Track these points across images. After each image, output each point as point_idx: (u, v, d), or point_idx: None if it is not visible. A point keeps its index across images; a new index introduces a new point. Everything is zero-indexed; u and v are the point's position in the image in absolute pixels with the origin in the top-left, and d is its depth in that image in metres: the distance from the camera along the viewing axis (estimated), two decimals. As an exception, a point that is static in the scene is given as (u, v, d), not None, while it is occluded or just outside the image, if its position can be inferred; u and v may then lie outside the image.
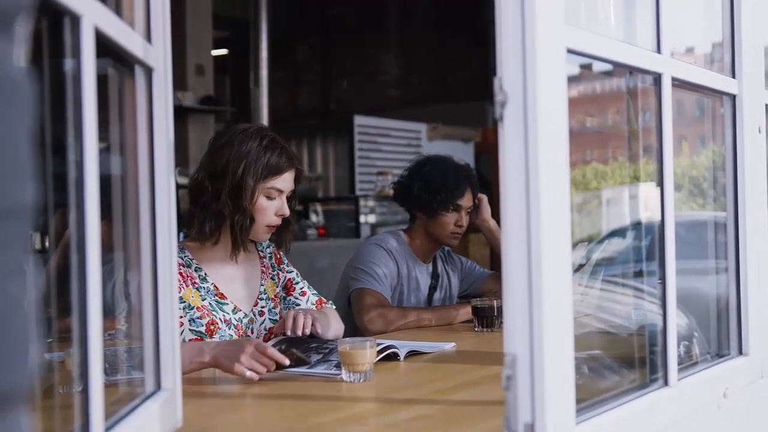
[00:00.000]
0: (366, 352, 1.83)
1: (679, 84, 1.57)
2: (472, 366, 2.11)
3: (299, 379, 1.88)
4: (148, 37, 1.31)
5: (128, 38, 1.19)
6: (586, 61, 1.34)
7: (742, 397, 1.76)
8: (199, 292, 2.19)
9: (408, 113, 8.21)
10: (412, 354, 2.16)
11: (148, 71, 1.31)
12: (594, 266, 2.10)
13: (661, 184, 1.51)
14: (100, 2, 1.03)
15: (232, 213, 2.17)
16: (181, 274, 2.16)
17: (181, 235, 2.34)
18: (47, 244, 1.15)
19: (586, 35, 1.29)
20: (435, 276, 3.04)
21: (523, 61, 1.13)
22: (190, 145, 6.98)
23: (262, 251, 2.40)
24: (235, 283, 2.28)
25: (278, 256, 2.43)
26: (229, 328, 2.20)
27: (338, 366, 1.88)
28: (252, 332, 2.26)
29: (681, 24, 1.76)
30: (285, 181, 2.22)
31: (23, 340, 0.52)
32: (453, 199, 2.88)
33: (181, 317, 2.12)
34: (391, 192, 3.21)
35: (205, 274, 2.22)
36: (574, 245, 1.24)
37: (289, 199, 2.26)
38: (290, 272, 2.43)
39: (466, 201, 2.92)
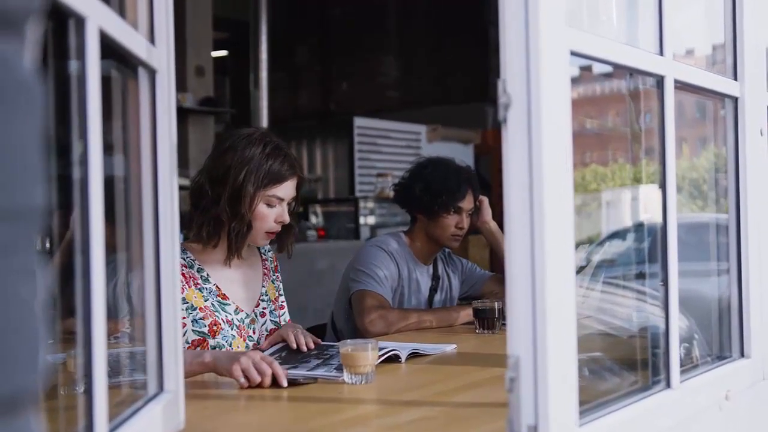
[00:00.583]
0: (368, 353, 1.83)
1: (681, 86, 1.57)
2: (473, 368, 2.11)
3: (301, 381, 1.88)
4: (152, 38, 1.31)
5: (132, 40, 1.19)
6: (585, 62, 1.34)
7: (744, 399, 1.76)
8: (202, 292, 2.19)
9: (408, 115, 8.20)
10: (414, 356, 2.16)
11: (152, 73, 1.31)
12: (595, 268, 2.11)
13: (663, 186, 1.51)
14: (104, 4, 1.03)
15: (229, 219, 2.16)
16: (183, 275, 2.16)
17: (181, 236, 2.34)
18: (47, 244, 1.15)
19: (589, 37, 1.29)
20: (435, 278, 3.04)
21: (527, 64, 1.13)
22: (190, 147, 6.97)
23: (264, 254, 2.40)
24: (237, 284, 2.28)
25: (276, 263, 2.44)
26: (232, 329, 2.20)
27: (339, 369, 1.88)
28: (254, 332, 2.27)
29: (681, 25, 1.77)
30: (286, 189, 2.21)
31: (33, 343, 0.52)
32: (454, 201, 2.88)
33: (184, 318, 2.12)
34: (391, 193, 3.21)
35: (207, 274, 2.22)
36: (575, 247, 1.24)
37: (290, 206, 2.26)
38: (280, 282, 2.44)
39: (467, 203, 2.92)
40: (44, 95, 0.55)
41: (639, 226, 1.97)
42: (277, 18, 7.52)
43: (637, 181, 1.88)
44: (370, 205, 7.17)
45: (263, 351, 2.13)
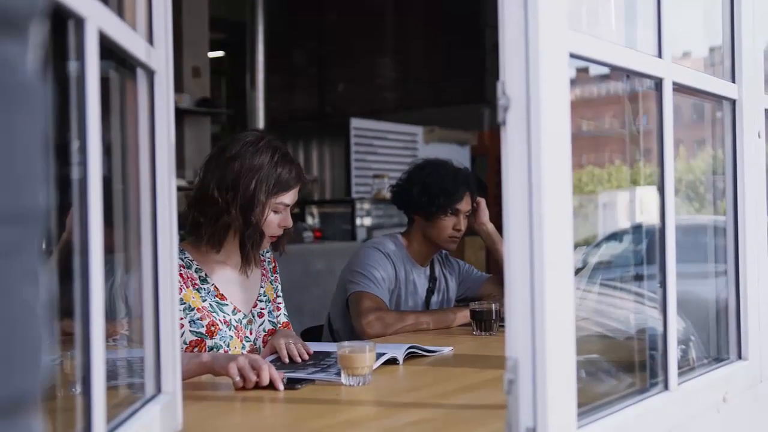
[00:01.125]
0: (365, 355, 1.83)
1: (679, 88, 1.57)
2: (471, 370, 2.11)
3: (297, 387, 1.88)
4: (150, 39, 1.31)
5: (131, 41, 1.18)
6: (582, 64, 1.34)
7: (742, 402, 1.76)
8: (200, 293, 2.19)
9: (404, 116, 8.19)
10: (411, 357, 2.16)
11: (150, 74, 1.31)
12: (592, 270, 2.11)
13: (661, 188, 1.51)
14: (104, 5, 1.03)
15: (242, 228, 2.17)
16: (181, 275, 2.16)
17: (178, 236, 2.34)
18: (43, 245, 1.14)
19: (589, 39, 1.29)
20: (432, 279, 3.03)
21: (527, 66, 1.13)
22: (186, 147, 6.97)
23: (262, 255, 2.40)
24: (236, 284, 2.28)
25: (274, 264, 2.44)
26: (229, 329, 2.20)
27: (337, 373, 1.88)
28: (251, 333, 2.26)
29: (679, 28, 1.77)
30: (293, 196, 2.24)
31: (36, 346, 0.52)
32: (452, 203, 2.88)
33: (182, 319, 2.12)
34: (387, 195, 3.21)
35: (206, 275, 2.22)
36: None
37: (291, 209, 2.28)
38: (279, 283, 2.44)
39: (465, 205, 2.92)
40: (47, 97, 0.55)
41: (636, 228, 1.97)
42: (273, 19, 7.52)
43: (634, 183, 1.88)
44: (367, 206, 7.16)
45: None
